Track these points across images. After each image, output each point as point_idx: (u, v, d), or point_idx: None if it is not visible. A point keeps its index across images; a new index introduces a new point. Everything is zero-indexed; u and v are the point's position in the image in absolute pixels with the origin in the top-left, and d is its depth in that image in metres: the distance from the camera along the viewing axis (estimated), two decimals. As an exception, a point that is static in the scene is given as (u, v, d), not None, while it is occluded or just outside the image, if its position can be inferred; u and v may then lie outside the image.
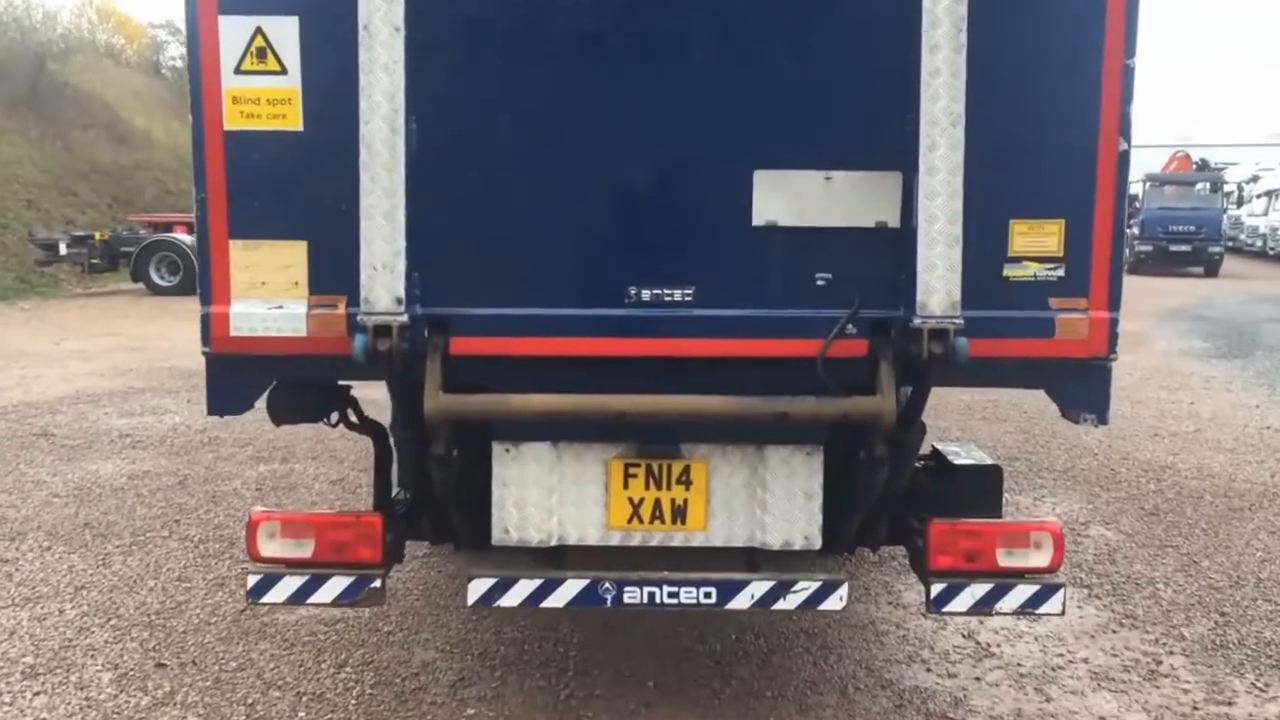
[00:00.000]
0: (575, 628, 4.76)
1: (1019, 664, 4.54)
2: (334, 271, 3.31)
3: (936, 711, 4.12)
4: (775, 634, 4.75)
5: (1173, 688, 4.36)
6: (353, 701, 4.13)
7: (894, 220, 3.33)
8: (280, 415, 3.87)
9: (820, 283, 3.36)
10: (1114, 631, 4.91)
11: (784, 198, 3.32)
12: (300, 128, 3.29)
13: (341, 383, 3.91)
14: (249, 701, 4.13)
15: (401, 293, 3.20)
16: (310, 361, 3.40)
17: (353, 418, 4.11)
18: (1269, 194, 37.66)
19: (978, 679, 4.40)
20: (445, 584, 5.40)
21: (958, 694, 4.26)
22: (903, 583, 5.44)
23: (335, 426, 4.09)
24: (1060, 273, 3.36)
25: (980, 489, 4.12)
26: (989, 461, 4.22)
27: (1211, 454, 8.57)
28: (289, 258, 3.35)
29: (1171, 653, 4.70)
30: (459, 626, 4.84)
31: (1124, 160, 3.32)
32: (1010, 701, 4.21)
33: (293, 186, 3.32)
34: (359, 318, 3.20)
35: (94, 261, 22.26)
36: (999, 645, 4.74)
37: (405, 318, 3.19)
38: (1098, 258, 3.36)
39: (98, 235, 22.64)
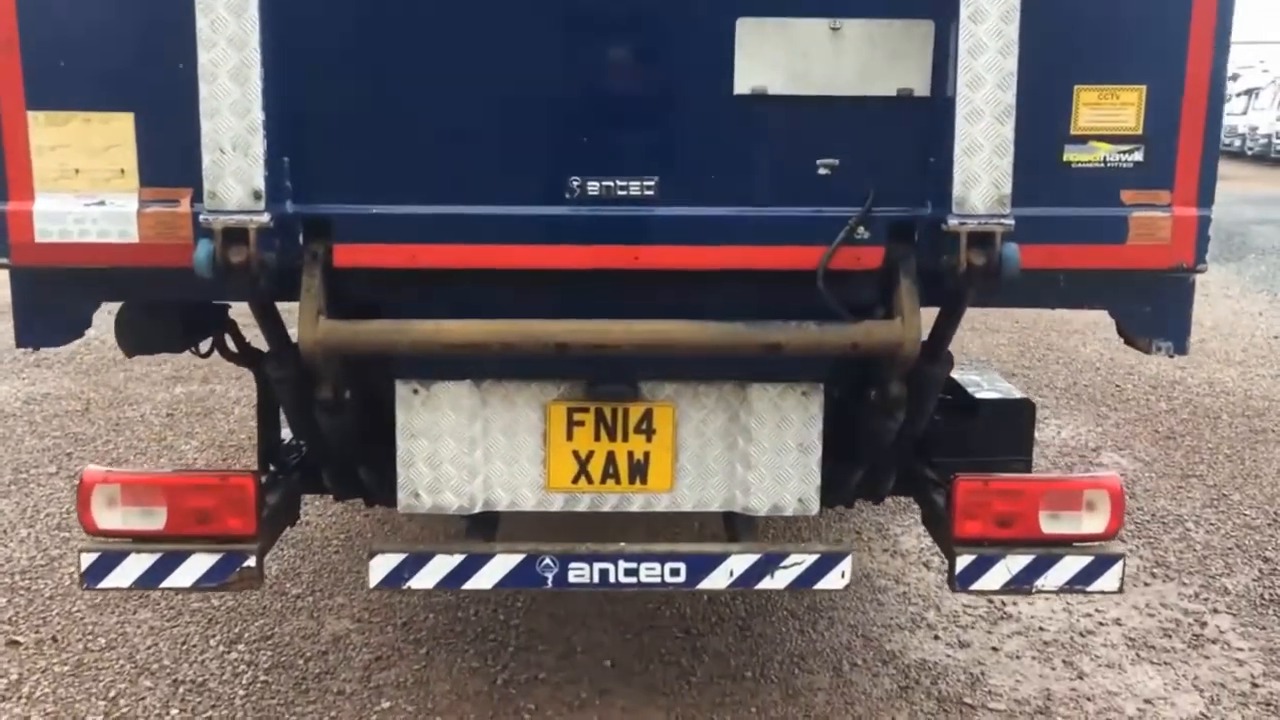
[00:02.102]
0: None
1: (1041, 628, 3.86)
2: (174, 156, 2.45)
3: (950, 695, 3.42)
4: (754, 594, 4.03)
5: (1224, 657, 3.68)
6: (241, 692, 3.38)
7: (922, 87, 2.49)
8: (132, 344, 3.04)
9: (823, 171, 2.54)
10: (1146, 584, 4.24)
11: (776, 56, 2.47)
12: (115, -47, 2.40)
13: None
14: (111, 694, 3.36)
15: (261, 183, 2.34)
16: (146, 276, 2.56)
17: (231, 345, 3.28)
18: (1249, 92, 36.84)
19: (994, 649, 3.71)
20: (373, 529, 4.64)
21: (973, 670, 3.57)
22: (898, 524, 4.73)
23: (206, 356, 3.26)
24: (1138, 156, 2.55)
25: (1007, 428, 3.38)
26: (1017, 395, 3.46)
27: (1221, 367, 7.90)
28: (111, 136, 2.48)
29: (1216, 610, 4.03)
30: (382, 586, 4.08)
31: (1226, 5, 2.49)
32: (1036, 679, 3.53)
33: (111, 38, 2.44)
34: (201, 218, 2.35)
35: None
36: (1016, 603, 4.04)
37: (267, 217, 2.35)
38: (1187, 136, 2.54)
39: None
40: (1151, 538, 4.70)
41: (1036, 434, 6.10)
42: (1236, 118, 37.33)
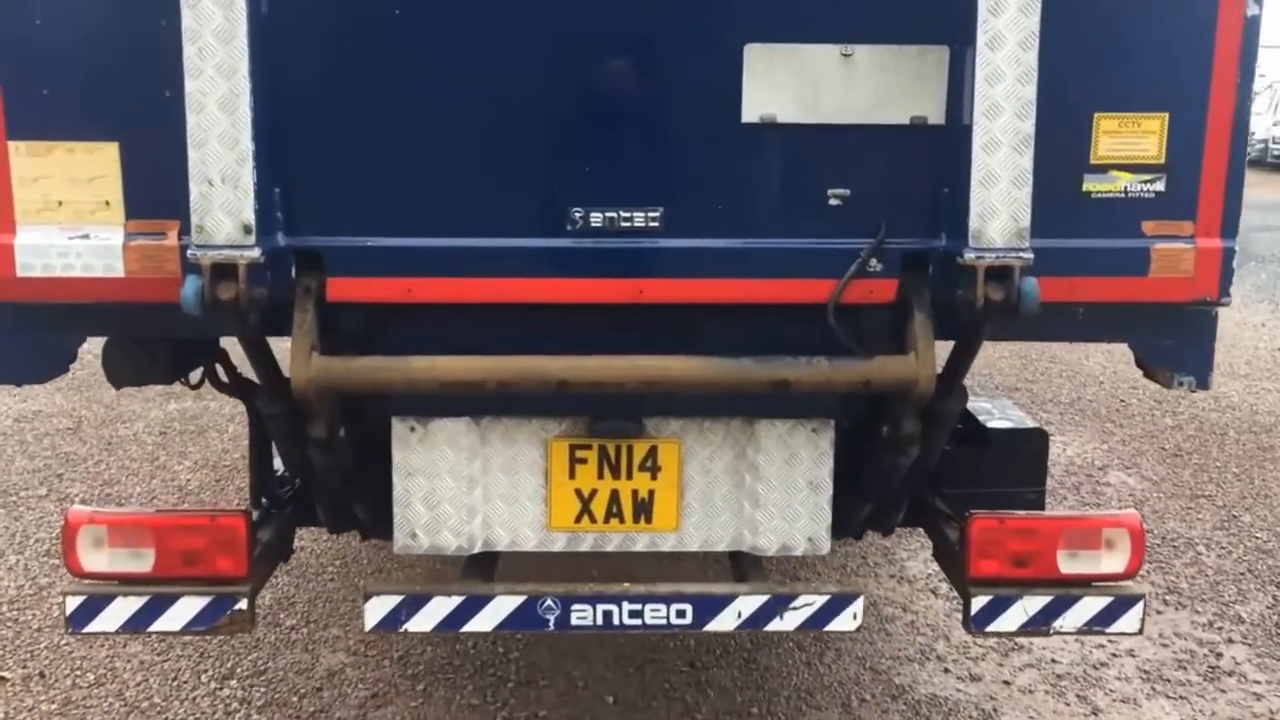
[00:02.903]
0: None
1: (1053, 660, 3.76)
2: (161, 186, 2.35)
3: (962, 732, 3.34)
4: (759, 623, 3.94)
5: (1242, 691, 3.60)
6: (233, 731, 3.29)
7: (936, 114, 2.41)
8: (120, 376, 2.94)
9: (834, 202, 2.45)
10: (1159, 611, 4.15)
11: (786, 83, 2.39)
12: (102, -22, 2.31)
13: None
14: (99, 735, 3.27)
15: (251, 217, 2.25)
16: (132, 311, 2.46)
17: (222, 375, 3.19)
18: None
19: (1006, 683, 3.62)
20: (369, 554, 4.55)
21: (985, 706, 3.48)
22: (904, 548, 4.65)
23: (197, 388, 3.17)
24: (1160, 186, 2.46)
25: (1020, 458, 3.29)
26: (1029, 424, 3.37)
27: (1225, 380, 7.81)
28: (95, 166, 2.39)
29: (1231, 640, 3.94)
30: (378, 617, 3.98)
31: (1252, 28, 2.40)
32: (1050, 716, 3.44)
33: (95, 65, 2.35)
34: (189, 253, 2.26)
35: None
36: (1026, 633, 3.94)
37: (258, 252, 2.25)
38: (1211, 166, 2.46)
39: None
40: (1163, 562, 4.62)
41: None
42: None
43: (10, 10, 2.31)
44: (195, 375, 3.15)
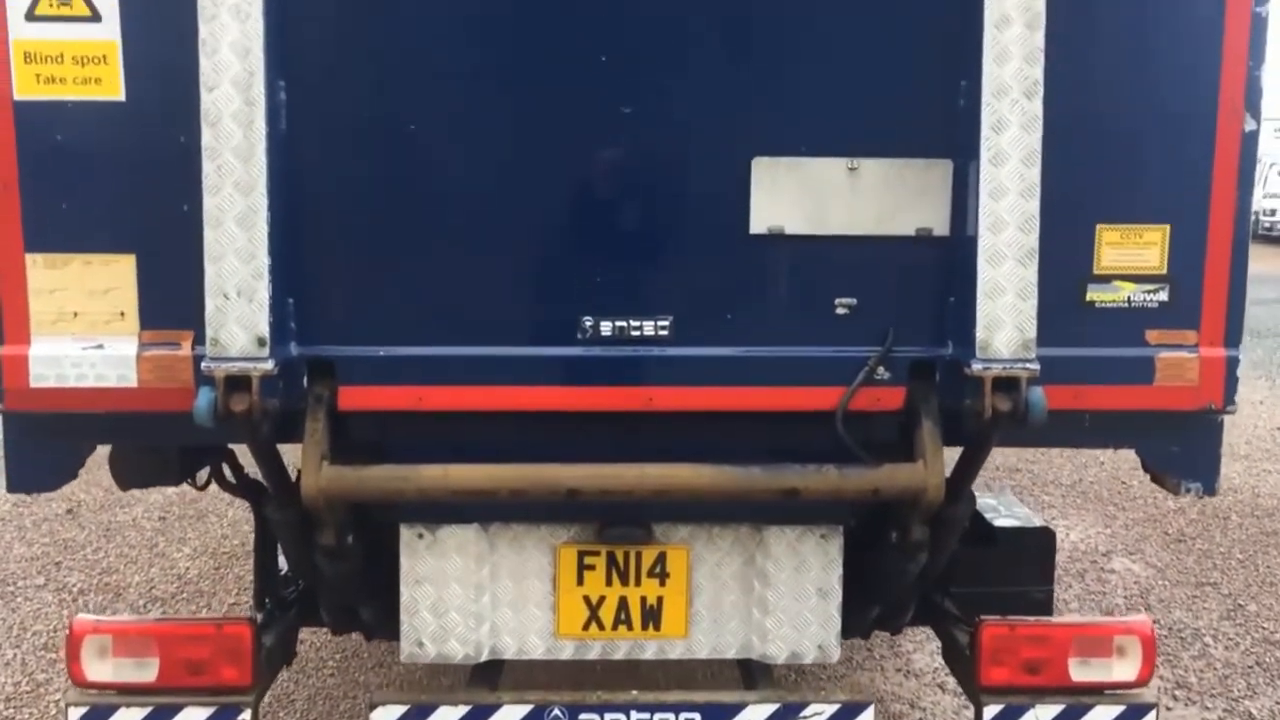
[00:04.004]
0: None
1: (1064, 759, 3.71)
2: (176, 297, 2.38)
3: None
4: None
5: (1255, 792, 3.55)
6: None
7: (941, 226, 2.45)
8: (128, 478, 2.97)
9: (841, 311, 2.48)
10: (1169, 709, 4.10)
11: (793, 195, 2.43)
12: (121, 96, 2.35)
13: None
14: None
15: (265, 330, 2.27)
16: (144, 421, 2.47)
17: (229, 476, 3.19)
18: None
19: (1018, 784, 3.56)
20: (370, 650, 4.50)
21: (997, 809, 3.42)
22: (910, 640, 4.60)
23: (203, 489, 3.17)
24: (1163, 296, 2.49)
25: (1028, 557, 3.28)
26: (1036, 523, 3.37)
27: (1226, 461, 7.68)
28: (111, 278, 2.42)
29: (1242, 739, 3.90)
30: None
31: (1250, 143, 2.45)
32: (1063, 820, 3.38)
33: (114, 180, 2.39)
34: (204, 366, 2.28)
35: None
36: (1035, 730, 3.89)
37: (270, 364, 2.27)
38: (1212, 276, 2.50)
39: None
40: (1170, 654, 4.58)
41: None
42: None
43: (31, 125, 2.35)
44: (202, 476, 3.15)
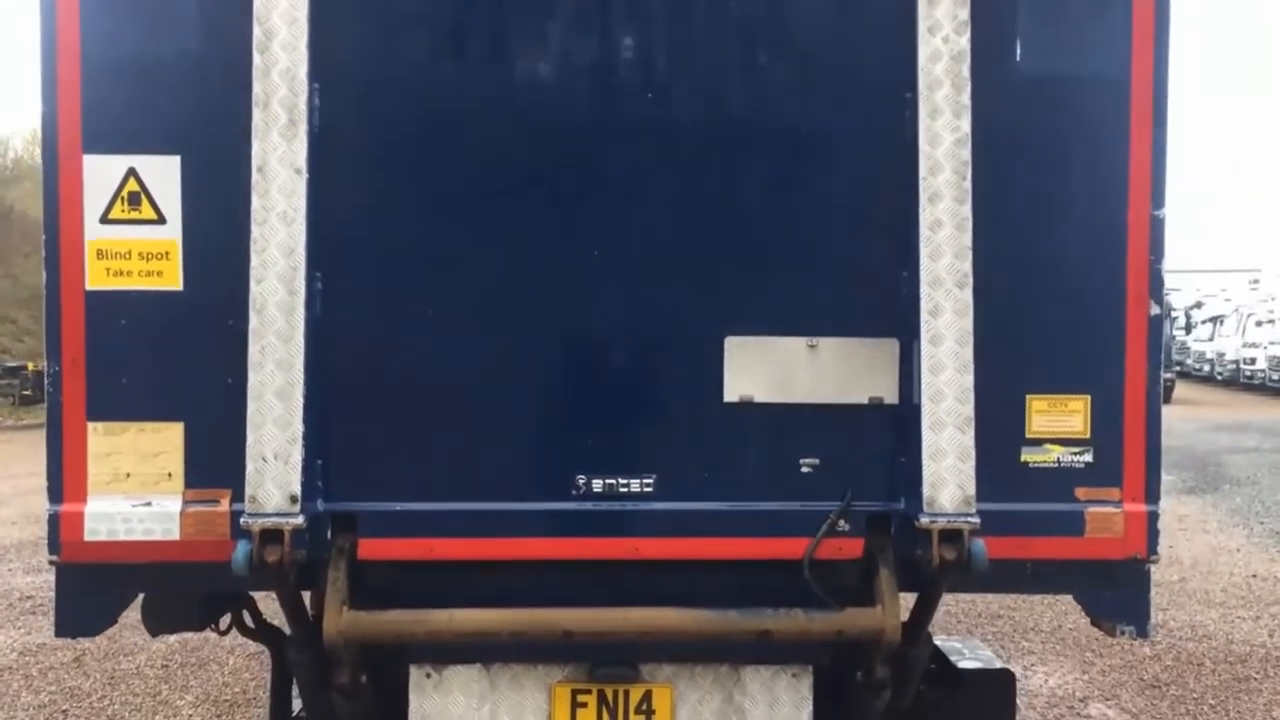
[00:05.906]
0: None
1: None
2: (217, 459, 2.71)
3: None
4: None
5: None
6: None
7: (891, 395, 2.80)
8: (158, 624, 3.23)
9: (805, 470, 2.81)
10: None
11: (761, 369, 2.80)
12: (180, 287, 2.73)
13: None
14: None
15: (297, 489, 2.60)
16: (183, 570, 2.76)
17: (249, 621, 3.45)
18: (1214, 320, 38.33)
19: None
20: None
21: None
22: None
23: (225, 634, 3.42)
24: (1088, 457, 2.83)
25: (990, 697, 3.52)
26: (998, 665, 3.62)
27: (1202, 608, 8.03)
28: (161, 443, 2.74)
29: None
30: None
31: (1156, 325, 2.83)
32: None
33: (169, 358, 2.74)
34: (242, 520, 2.59)
35: (25, 393, 21.38)
36: None
37: (301, 519, 2.59)
38: (1130, 439, 2.84)
39: (30, 365, 21.79)
40: (1142, 797, 4.74)
41: (1025, 683, 6.21)
42: (1204, 344, 38.69)
43: (99, 311, 2.72)
44: (224, 622, 3.41)
